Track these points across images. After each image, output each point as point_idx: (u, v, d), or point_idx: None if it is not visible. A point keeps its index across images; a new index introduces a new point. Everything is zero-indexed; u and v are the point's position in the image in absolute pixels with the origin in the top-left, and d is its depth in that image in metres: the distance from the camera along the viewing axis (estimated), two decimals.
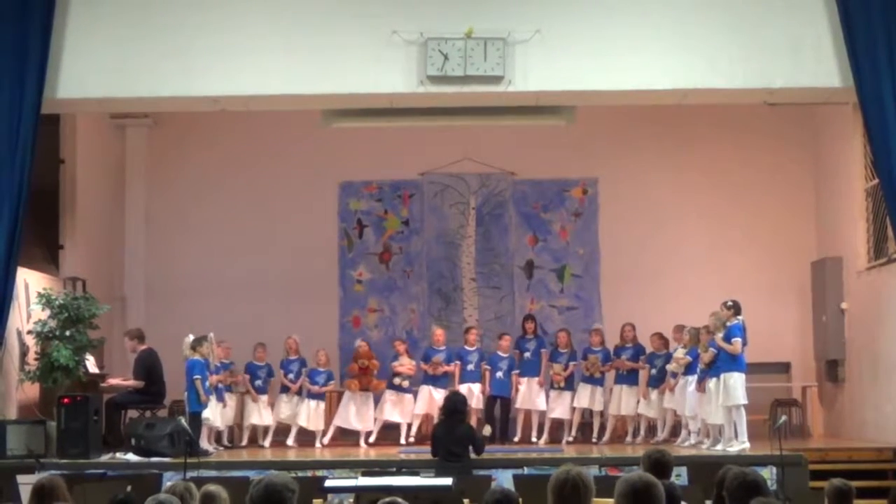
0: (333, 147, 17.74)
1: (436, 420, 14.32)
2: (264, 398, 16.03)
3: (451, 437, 13.04)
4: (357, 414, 15.90)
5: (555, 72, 13.37)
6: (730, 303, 14.13)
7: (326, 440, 15.94)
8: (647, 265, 18.00)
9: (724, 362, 13.96)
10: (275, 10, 13.58)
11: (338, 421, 16.02)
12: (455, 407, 13.33)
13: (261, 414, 15.98)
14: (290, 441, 15.86)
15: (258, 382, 16.01)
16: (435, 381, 15.94)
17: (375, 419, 16.02)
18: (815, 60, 13.32)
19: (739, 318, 14.01)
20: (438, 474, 11.71)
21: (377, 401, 16.04)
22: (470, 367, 16.17)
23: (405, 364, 16.16)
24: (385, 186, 18.69)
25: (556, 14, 13.39)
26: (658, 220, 18.16)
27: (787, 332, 17.78)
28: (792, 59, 13.32)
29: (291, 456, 14.63)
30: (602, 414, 16.20)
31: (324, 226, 18.43)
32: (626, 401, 15.90)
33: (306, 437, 15.99)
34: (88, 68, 13.45)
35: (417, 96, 13.58)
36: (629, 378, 16.04)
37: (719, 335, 14.00)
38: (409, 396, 16.04)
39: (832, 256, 16.94)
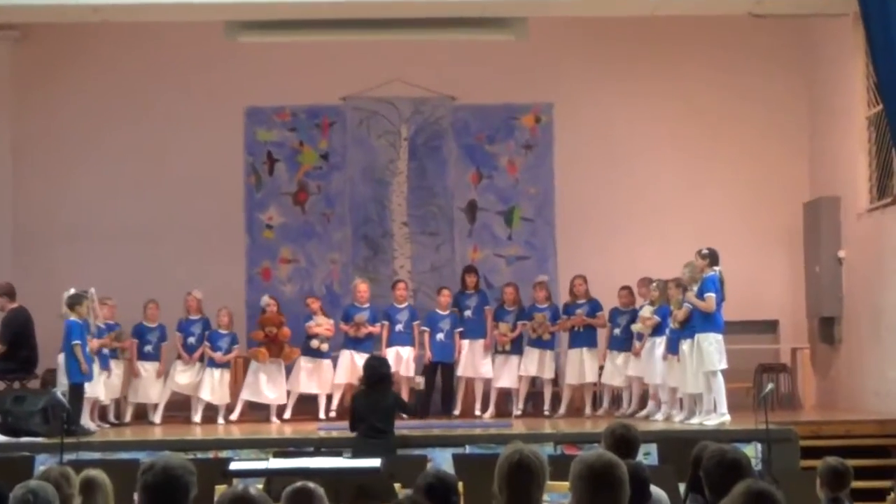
0: (238, 66, 17.60)
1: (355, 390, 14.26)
2: (153, 367, 15.95)
3: (375, 409, 12.84)
4: (269, 385, 15.84)
5: None
6: (705, 251, 14.17)
7: (235, 416, 15.89)
8: (612, 207, 18.03)
9: (698, 322, 14.03)
10: None
11: (246, 394, 15.97)
12: (379, 374, 13.12)
13: (147, 389, 15.86)
14: (196, 417, 15.79)
15: (148, 348, 15.94)
16: (357, 344, 15.86)
17: (289, 392, 15.99)
18: None
19: (716, 269, 14.06)
20: (358, 453, 11.70)
21: (290, 370, 16.01)
22: (399, 327, 16.17)
23: (322, 324, 16.12)
24: (300, 113, 18.57)
25: None
26: (624, 155, 18.15)
27: (774, 284, 17.96)
28: None
29: (189, 434, 14.59)
30: (555, 382, 16.25)
31: (227, 160, 18.25)
32: (588, 367, 15.93)
33: (208, 412, 15.96)
34: None
35: (338, 5, 13.47)
36: (587, 339, 16.08)
37: (692, 291, 14.06)
38: (327, 363, 16.04)
39: (828, 196, 17.05)
